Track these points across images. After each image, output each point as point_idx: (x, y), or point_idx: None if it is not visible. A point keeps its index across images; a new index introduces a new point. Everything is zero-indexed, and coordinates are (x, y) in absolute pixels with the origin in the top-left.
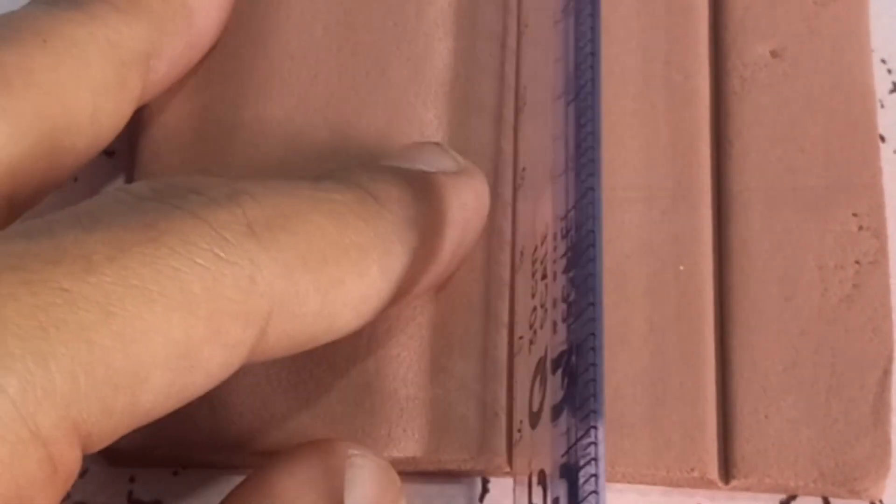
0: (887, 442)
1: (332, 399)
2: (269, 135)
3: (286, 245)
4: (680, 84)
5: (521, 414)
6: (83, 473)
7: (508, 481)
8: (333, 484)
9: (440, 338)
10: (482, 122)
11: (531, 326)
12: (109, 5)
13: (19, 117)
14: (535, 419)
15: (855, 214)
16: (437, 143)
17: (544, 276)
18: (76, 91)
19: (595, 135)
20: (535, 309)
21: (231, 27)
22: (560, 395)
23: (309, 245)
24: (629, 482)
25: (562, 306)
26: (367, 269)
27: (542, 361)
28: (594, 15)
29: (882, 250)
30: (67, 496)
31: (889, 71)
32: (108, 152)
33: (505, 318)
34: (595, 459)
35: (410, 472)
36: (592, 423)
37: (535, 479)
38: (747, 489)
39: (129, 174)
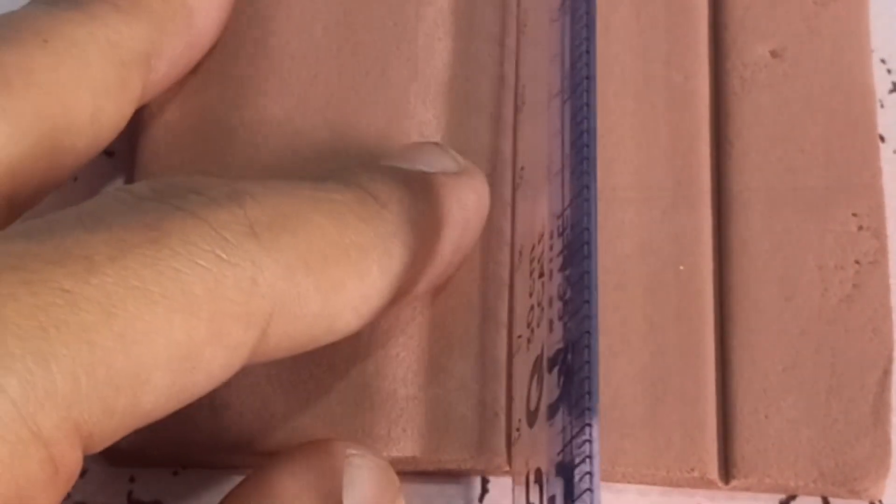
0: (887, 442)
1: (332, 399)
2: (269, 135)
3: (287, 246)
4: (680, 84)
5: (519, 413)
6: (83, 473)
7: (508, 481)
8: (332, 484)
9: (440, 338)
10: (481, 121)
11: (529, 325)
12: (110, 5)
13: (19, 117)
14: (532, 418)
15: (855, 214)
16: (436, 143)
17: (541, 275)
18: (76, 91)
19: (590, 132)
20: (532, 308)
21: (231, 27)
22: (556, 393)
23: (310, 246)
24: (629, 482)
25: (558, 304)
26: (368, 269)
27: (539, 360)
28: (590, 12)
29: (882, 250)
30: (67, 496)
31: (889, 71)
32: (108, 152)
33: (504, 317)
34: (590, 457)
35: (410, 472)
36: (587, 421)
37: (532, 478)
38: (747, 489)
39: (129, 174)
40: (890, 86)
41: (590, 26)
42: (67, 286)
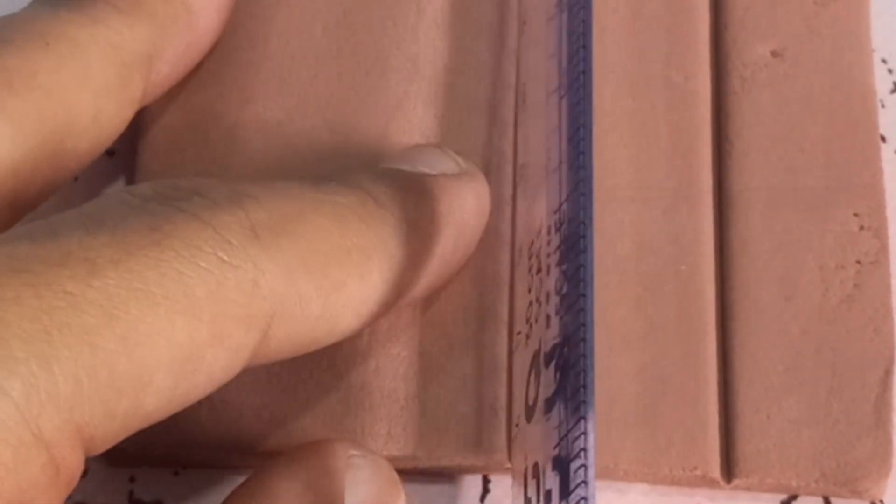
0: (889, 442)
1: (333, 399)
2: (269, 135)
3: (289, 248)
4: (680, 84)
5: (518, 409)
6: (83, 473)
7: (510, 481)
8: (334, 485)
9: (440, 337)
10: (481, 122)
11: (528, 321)
12: (111, 7)
13: (22, 119)
14: (530, 413)
15: (856, 214)
16: (437, 145)
17: (539, 270)
18: (78, 93)
19: (587, 127)
20: (531, 303)
21: (231, 27)
22: (552, 388)
23: (311, 248)
24: (631, 480)
25: (555, 299)
26: (369, 271)
27: (536, 355)
28: (586, 8)
29: (883, 250)
30: (68, 496)
31: (889, 71)
32: (109, 152)
33: (504, 316)
34: (585, 450)
35: (411, 472)
36: (582, 415)
37: (529, 473)
38: (749, 489)
39: (130, 174)
40: (891, 86)
41: (586, 21)
42: (70, 288)
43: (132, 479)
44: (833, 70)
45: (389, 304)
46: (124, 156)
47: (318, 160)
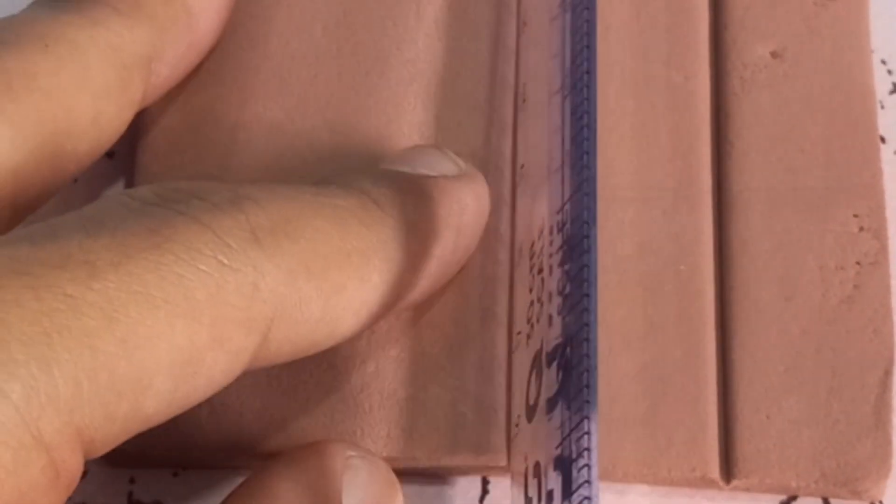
0: (888, 443)
1: (332, 400)
2: (269, 135)
3: (289, 251)
4: (680, 84)
5: (518, 409)
6: (83, 474)
7: (508, 481)
8: (332, 486)
9: (439, 338)
10: (481, 123)
11: (529, 321)
12: (111, 9)
13: (22, 122)
14: (531, 413)
15: (856, 215)
16: (436, 146)
17: (541, 271)
18: (78, 95)
19: (590, 128)
20: (532, 303)
21: (231, 27)
22: (555, 387)
23: (312, 251)
24: (630, 481)
25: (557, 300)
26: (369, 274)
27: (538, 355)
28: (590, 9)
29: (883, 251)
30: (68, 498)
31: (889, 72)
32: (108, 154)
33: (503, 317)
34: (588, 450)
35: (409, 473)
36: (585, 414)
37: (531, 473)
38: (748, 489)
39: (130, 176)
40: (890, 86)
41: (590, 21)
42: (70, 291)
43: (132, 481)
44: (833, 70)
45: (389, 307)
46: (124, 157)
47: (318, 160)
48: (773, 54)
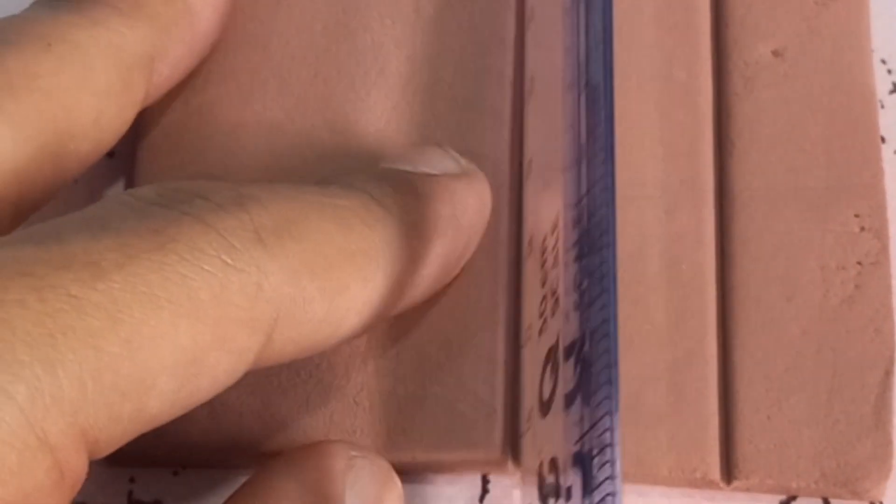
0: (889, 443)
1: (332, 399)
2: (269, 135)
3: (293, 251)
4: (682, 83)
5: (530, 403)
6: None
7: (508, 481)
8: (334, 486)
9: (439, 337)
10: (482, 121)
11: (541, 315)
12: (112, 9)
13: (24, 122)
14: (545, 408)
15: (857, 215)
16: (438, 145)
17: (554, 265)
18: (80, 95)
19: (608, 122)
20: (544, 297)
21: (231, 27)
22: (573, 383)
23: (315, 251)
24: (630, 482)
25: (573, 295)
26: (373, 274)
27: (553, 350)
28: (607, 1)
29: (884, 251)
30: None
31: (889, 71)
32: (109, 154)
33: (503, 315)
34: (610, 446)
35: (410, 472)
36: (607, 410)
37: (546, 469)
38: (749, 490)
39: (130, 175)
40: (890, 86)
41: (606, 12)
42: (74, 292)
43: (132, 480)
44: (833, 70)
45: (391, 306)
46: (124, 157)
47: (318, 160)
48: (775, 53)
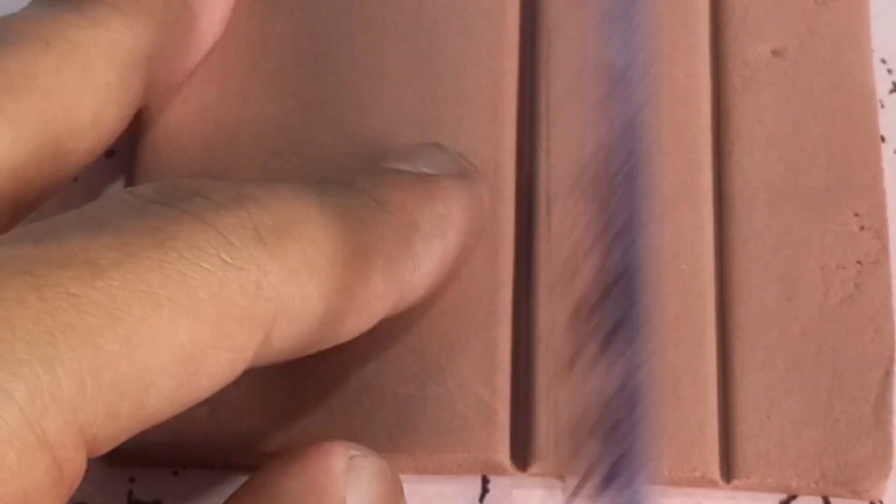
0: (889, 442)
1: (332, 399)
2: (269, 135)
3: (292, 250)
4: (681, 83)
5: (556, 358)
6: None
7: (508, 481)
8: (335, 486)
9: (440, 337)
10: (482, 121)
11: (569, 261)
12: (112, 8)
13: (23, 121)
14: (573, 361)
15: (856, 214)
16: (438, 145)
17: (593, 204)
18: (79, 94)
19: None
20: (576, 241)
21: (231, 27)
22: (604, 333)
23: (315, 250)
24: None
25: (609, 232)
26: (372, 274)
27: (582, 300)
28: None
29: (883, 250)
30: None
31: (889, 71)
32: (108, 153)
33: (504, 316)
34: (643, 385)
35: (410, 472)
36: (639, 362)
37: (575, 423)
38: (749, 489)
39: (129, 175)
40: (890, 86)
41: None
42: (73, 290)
43: (132, 480)
44: (833, 70)
45: (391, 305)
46: (124, 156)
47: (318, 160)
48: (774, 53)
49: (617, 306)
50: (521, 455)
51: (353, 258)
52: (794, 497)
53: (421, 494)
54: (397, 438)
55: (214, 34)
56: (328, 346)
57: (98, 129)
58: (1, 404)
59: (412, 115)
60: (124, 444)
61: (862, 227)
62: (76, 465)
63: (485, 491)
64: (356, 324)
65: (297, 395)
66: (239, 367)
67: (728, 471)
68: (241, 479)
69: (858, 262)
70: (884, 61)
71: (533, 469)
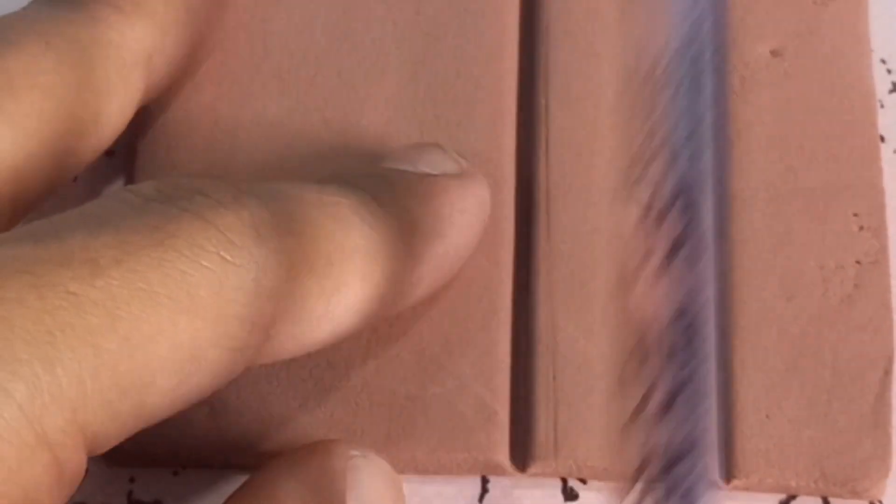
0: (888, 442)
1: (332, 399)
2: (269, 135)
3: (291, 249)
4: None
5: (620, 267)
6: None
7: (508, 481)
8: (335, 485)
9: (439, 337)
10: (482, 121)
11: (640, 159)
12: (112, 7)
13: (23, 121)
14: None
15: (856, 214)
16: (437, 145)
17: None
18: (79, 94)
19: None
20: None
21: (231, 27)
22: (677, 232)
23: (314, 249)
24: None
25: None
26: (372, 273)
27: (651, 202)
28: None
29: (883, 250)
30: None
31: (889, 71)
32: (108, 152)
33: (504, 316)
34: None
35: (410, 472)
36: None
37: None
38: (748, 489)
39: (129, 174)
40: (890, 86)
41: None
42: (73, 289)
43: (132, 480)
44: (833, 70)
45: (390, 305)
46: (123, 156)
47: (318, 160)
48: (774, 53)
49: (682, 217)
50: (521, 455)
51: (353, 257)
52: (793, 497)
53: (421, 494)
54: (397, 438)
55: (214, 33)
56: (329, 344)
57: (98, 127)
58: (1, 403)
59: (412, 115)
60: (124, 443)
61: (861, 227)
62: (76, 464)
63: (484, 491)
64: (356, 323)
65: (297, 395)
66: (239, 366)
67: (728, 470)
68: (241, 479)
69: (858, 262)
70: (883, 61)
71: (533, 469)
